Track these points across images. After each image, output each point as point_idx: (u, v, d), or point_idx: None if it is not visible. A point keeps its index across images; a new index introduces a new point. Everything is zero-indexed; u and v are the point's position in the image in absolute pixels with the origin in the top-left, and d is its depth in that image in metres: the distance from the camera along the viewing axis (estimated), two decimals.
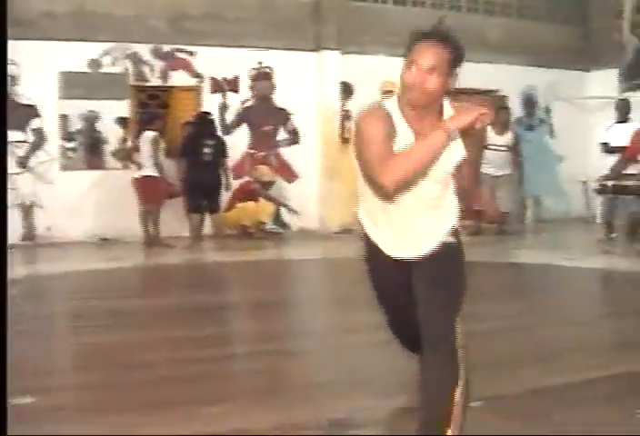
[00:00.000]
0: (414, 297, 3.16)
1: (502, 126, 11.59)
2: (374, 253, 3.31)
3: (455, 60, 3.10)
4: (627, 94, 13.34)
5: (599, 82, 15.10)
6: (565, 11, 15.29)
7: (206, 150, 10.77)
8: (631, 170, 10.18)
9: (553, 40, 14.89)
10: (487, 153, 10.87)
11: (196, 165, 10.69)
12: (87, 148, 11.56)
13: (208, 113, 11.34)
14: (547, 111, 15.06)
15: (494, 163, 11.19)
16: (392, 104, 3.10)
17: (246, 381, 4.63)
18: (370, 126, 2.99)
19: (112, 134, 11.58)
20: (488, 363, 4.74)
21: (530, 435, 3.55)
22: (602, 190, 10.69)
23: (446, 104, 3.19)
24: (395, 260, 3.23)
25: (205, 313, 6.53)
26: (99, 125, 11.51)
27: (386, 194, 3.02)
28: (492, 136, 11.17)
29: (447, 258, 3.18)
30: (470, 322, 5.67)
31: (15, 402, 3.76)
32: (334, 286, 8.41)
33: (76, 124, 11.40)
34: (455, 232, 3.21)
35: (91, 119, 11.43)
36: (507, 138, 11.62)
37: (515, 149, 11.77)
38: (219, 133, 11.54)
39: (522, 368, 4.71)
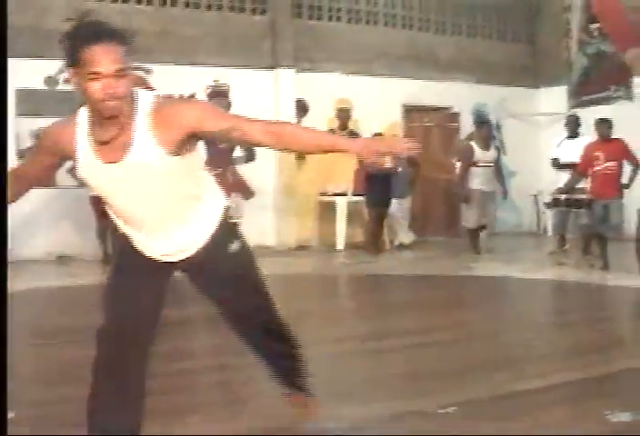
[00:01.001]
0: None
1: (484, 142, 11.71)
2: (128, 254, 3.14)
3: (128, 49, 2.72)
4: (576, 110, 13.63)
5: (548, 98, 15.49)
6: (515, 29, 15.60)
7: None
8: (581, 184, 10.47)
9: (503, 58, 15.22)
10: (477, 169, 11.16)
11: None
12: None
13: None
14: (498, 127, 15.29)
15: (483, 179, 11.39)
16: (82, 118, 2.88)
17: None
18: None
19: None
20: (457, 370, 4.91)
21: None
22: (553, 203, 10.92)
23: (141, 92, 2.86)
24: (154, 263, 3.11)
25: (168, 327, 6.55)
26: None
27: None
28: (478, 152, 11.37)
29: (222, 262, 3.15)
30: (437, 331, 5.83)
31: None
32: (294, 301, 8.45)
33: (27, 142, 11.32)
34: (232, 235, 3.19)
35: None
36: (492, 153, 11.76)
37: (497, 164, 11.92)
38: None
39: (490, 374, 4.82)
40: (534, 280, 9.25)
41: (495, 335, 6.14)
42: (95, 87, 2.64)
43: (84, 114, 2.87)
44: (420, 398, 4.31)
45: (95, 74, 2.62)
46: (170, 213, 3.00)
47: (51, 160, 3.09)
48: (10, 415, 3.58)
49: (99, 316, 3.02)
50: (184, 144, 2.84)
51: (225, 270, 3.20)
